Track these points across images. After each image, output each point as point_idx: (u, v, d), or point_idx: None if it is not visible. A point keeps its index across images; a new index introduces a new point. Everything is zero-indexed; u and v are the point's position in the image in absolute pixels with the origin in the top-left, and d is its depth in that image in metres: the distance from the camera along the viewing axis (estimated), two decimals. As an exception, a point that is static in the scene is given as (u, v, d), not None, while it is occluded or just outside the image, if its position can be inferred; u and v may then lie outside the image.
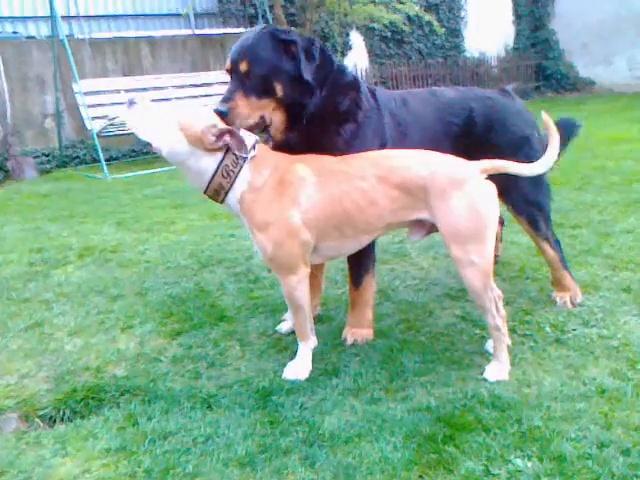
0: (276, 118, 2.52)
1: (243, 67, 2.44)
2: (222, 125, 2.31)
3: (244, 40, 2.51)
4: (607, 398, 2.17)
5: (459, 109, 2.84)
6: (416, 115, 2.77)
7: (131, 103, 2.35)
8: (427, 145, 2.64)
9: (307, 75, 2.45)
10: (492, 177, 2.36)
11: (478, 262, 2.28)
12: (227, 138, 2.29)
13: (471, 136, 2.84)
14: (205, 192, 2.40)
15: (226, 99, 2.44)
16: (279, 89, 2.46)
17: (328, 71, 2.57)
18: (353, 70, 12.03)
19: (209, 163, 2.33)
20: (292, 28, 2.65)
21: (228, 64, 2.50)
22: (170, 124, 2.30)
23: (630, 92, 13.47)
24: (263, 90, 2.44)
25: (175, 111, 2.35)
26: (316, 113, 2.53)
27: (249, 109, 2.44)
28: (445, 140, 2.79)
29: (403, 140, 2.69)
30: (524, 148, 2.87)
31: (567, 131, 3.19)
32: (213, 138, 2.28)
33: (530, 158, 2.54)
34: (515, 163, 2.39)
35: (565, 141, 3.18)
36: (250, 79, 2.44)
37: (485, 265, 2.29)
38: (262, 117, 2.48)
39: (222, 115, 2.38)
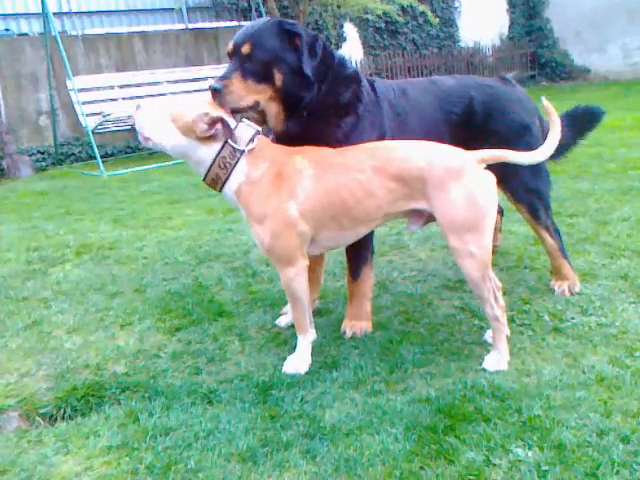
0: (272, 108, 2.52)
1: (245, 49, 2.44)
2: (215, 113, 2.31)
3: (249, 27, 2.52)
4: (606, 386, 2.18)
5: (459, 97, 2.84)
6: (415, 104, 2.77)
7: (138, 107, 2.40)
8: (427, 134, 2.64)
9: (308, 70, 2.45)
10: (492, 165, 2.36)
11: (476, 252, 2.27)
12: (218, 127, 2.30)
13: (471, 124, 2.84)
14: (204, 180, 2.44)
15: (223, 77, 2.43)
16: (278, 78, 2.46)
17: (329, 66, 2.57)
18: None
19: (207, 153, 2.35)
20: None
21: (230, 46, 2.49)
22: (162, 118, 2.33)
23: (624, 79, 13.47)
24: (262, 75, 2.44)
25: (167, 104, 2.37)
26: (317, 105, 2.53)
27: (244, 91, 2.43)
28: (445, 128, 2.79)
29: (403, 129, 2.69)
30: (525, 136, 2.87)
31: (588, 119, 3.19)
32: (205, 126, 2.30)
33: (531, 146, 2.53)
34: (514, 152, 2.37)
35: (585, 129, 3.19)
36: (251, 62, 2.43)
37: (483, 255, 2.29)
38: (257, 102, 2.47)
39: (216, 92, 2.38)
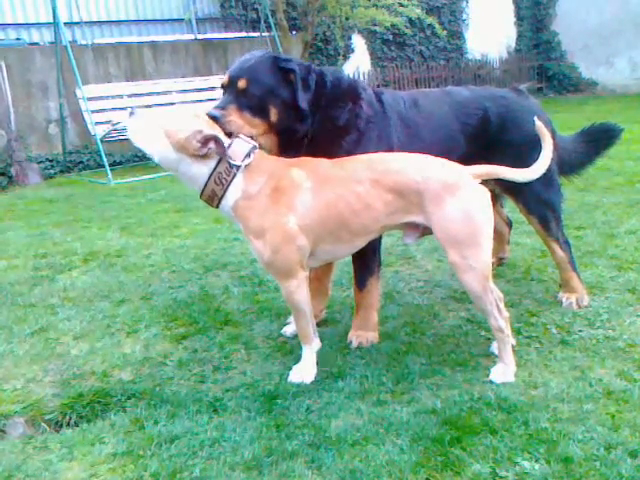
0: (267, 142, 2.53)
1: (241, 84, 2.45)
2: (208, 131, 2.29)
3: (245, 61, 2.53)
4: (614, 399, 2.16)
5: (474, 108, 2.85)
6: (429, 115, 2.77)
7: (131, 113, 2.39)
8: (441, 145, 2.65)
9: (303, 104, 2.48)
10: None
11: (476, 266, 2.28)
12: (212, 145, 2.29)
13: (486, 135, 2.85)
14: (201, 197, 2.42)
15: (220, 107, 2.45)
16: (273, 113, 2.48)
17: (321, 95, 2.57)
18: (354, 74, 12.04)
19: (201, 170, 2.34)
20: (292, 57, 2.64)
21: (226, 79, 2.51)
22: (156, 131, 2.31)
23: (631, 93, 13.46)
24: (257, 110, 2.46)
25: (161, 117, 2.35)
26: (315, 134, 2.55)
27: (242, 121, 2.44)
28: (460, 139, 2.80)
29: (413, 141, 2.69)
30: (539, 147, 2.87)
31: (605, 136, 3.16)
32: (198, 144, 2.28)
33: None
34: (508, 168, 2.40)
35: (603, 147, 3.15)
36: (246, 97, 2.45)
37: (483, 269, 2.29)
38: (251, 135, 2.46)
39: (215, 119, 2.39)
